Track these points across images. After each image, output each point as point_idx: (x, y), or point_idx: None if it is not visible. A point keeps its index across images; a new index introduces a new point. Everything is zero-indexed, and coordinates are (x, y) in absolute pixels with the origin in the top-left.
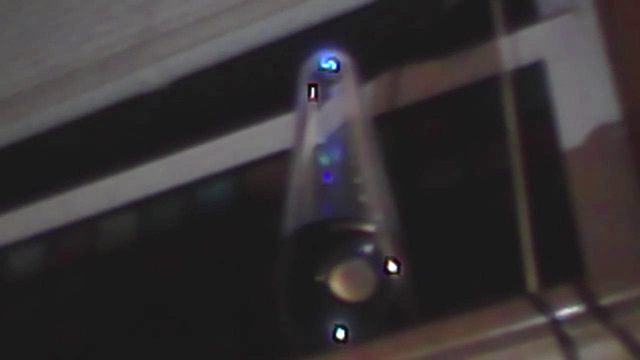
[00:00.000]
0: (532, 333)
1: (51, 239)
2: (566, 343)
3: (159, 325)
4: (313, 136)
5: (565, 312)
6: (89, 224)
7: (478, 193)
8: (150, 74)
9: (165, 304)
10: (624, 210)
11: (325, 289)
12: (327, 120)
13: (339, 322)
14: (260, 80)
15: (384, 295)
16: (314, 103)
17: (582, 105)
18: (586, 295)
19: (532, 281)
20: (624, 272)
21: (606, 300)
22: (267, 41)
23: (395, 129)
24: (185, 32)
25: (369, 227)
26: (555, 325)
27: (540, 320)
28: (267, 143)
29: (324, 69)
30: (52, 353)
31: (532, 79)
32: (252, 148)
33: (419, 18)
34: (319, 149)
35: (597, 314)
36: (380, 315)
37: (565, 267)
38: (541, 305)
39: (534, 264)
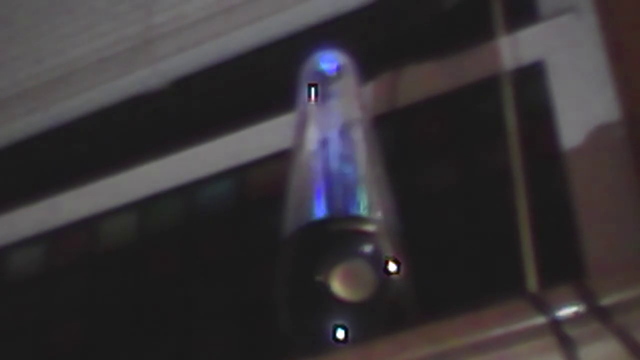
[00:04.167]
0: (532, 333)
1: (51, 239)
2: (566, 343)
3: (159, 325)
4: (313, 136)
5: (565, 312)
6: (89, 224)
7: (478, 193)
8: (150, 74)
9: (165, 304)
10: (624, 210)
11: (325, 289)
12: (327, 120)
13: (339, 322)
14: (260, 80)
15: (384, 295)
16: (314, 103)
17: (582, 105)
18: (586, 295)
19: (532, 281)
20: (624, 272)
21: (606, 300)
22: (267, 41)
23: (395, 129)
24: (185, 32)
25: (369, 227)
26: (555, 325)
27: (540, 320)
28: (267, 143)
29: (324, 69)
30: (52, 353)
31: (532, 79)
32: (252, 148)
33: (419, 18)
34: (319, 148)
35: (597, 314)
36: (380, 315)
37: (565, 267)
38: (541, 305)
39: (534, 264)
